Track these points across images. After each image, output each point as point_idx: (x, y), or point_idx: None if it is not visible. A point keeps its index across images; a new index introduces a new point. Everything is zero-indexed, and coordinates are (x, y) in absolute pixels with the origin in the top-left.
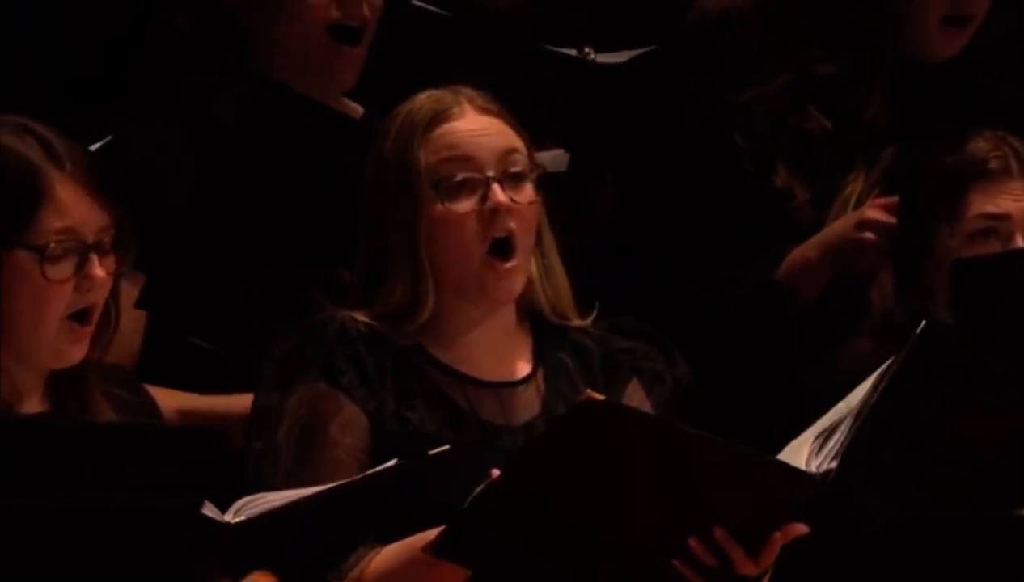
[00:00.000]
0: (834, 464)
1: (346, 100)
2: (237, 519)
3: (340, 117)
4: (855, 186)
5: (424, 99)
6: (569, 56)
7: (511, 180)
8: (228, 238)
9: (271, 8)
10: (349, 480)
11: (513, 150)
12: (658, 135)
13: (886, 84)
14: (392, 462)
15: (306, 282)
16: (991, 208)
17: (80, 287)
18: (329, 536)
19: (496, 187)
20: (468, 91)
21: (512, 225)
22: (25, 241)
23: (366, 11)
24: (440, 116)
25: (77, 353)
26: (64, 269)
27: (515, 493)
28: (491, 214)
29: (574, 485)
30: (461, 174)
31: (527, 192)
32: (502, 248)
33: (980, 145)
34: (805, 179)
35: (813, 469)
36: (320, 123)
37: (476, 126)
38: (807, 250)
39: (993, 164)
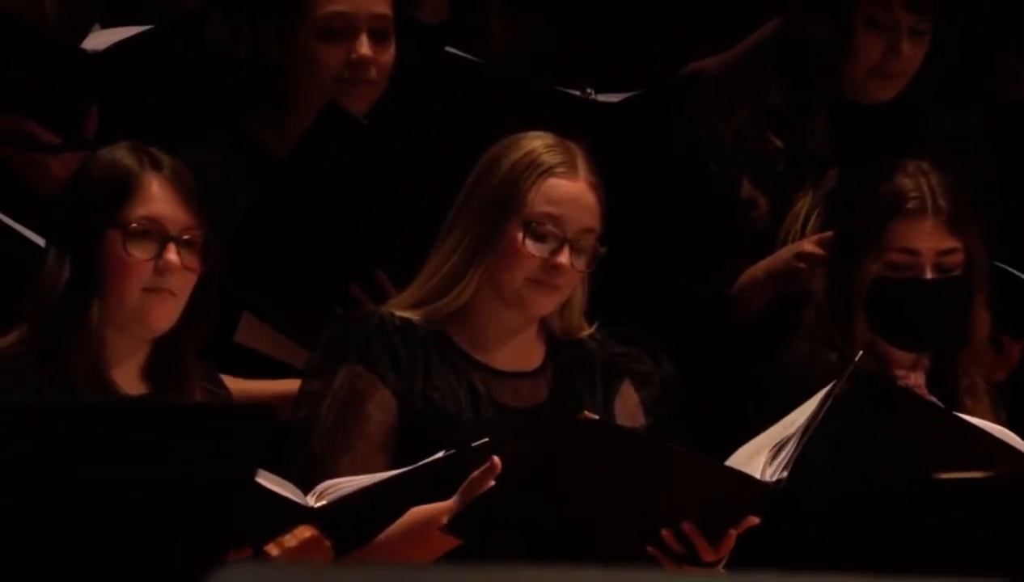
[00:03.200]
0: (785, 474)
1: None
2: (319, 503)
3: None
4: (804, 202)
5: (546, 146)
6: (574, 95)
7: (579, 250)
8: (282, 245)
9: (295, 58)
10: (409, 468)
11: (592, 230)
12: (647, 161)
13: (828, 119)
14: (441, 453)
15: (347, 280)
16: (906, 243)
17: (158, 269)
18: (383, 512)
19: (567, 250)
20: (583, 155)
21: (562, 280)
22: (116, 221)
23: (373, 75)
24: (557, 169)
25: (160, 317)
26: (144, 249)
27: (518, 488)
28: (552, 267)
29: (568, 484)
30: (549, 226)
31: (586, 262)
32: (546, 287)
33: (903, 182)
34: (765, 192)
35: (767, 478)
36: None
37: (578, 194)
38: (756, 271)
39: (911, 203)
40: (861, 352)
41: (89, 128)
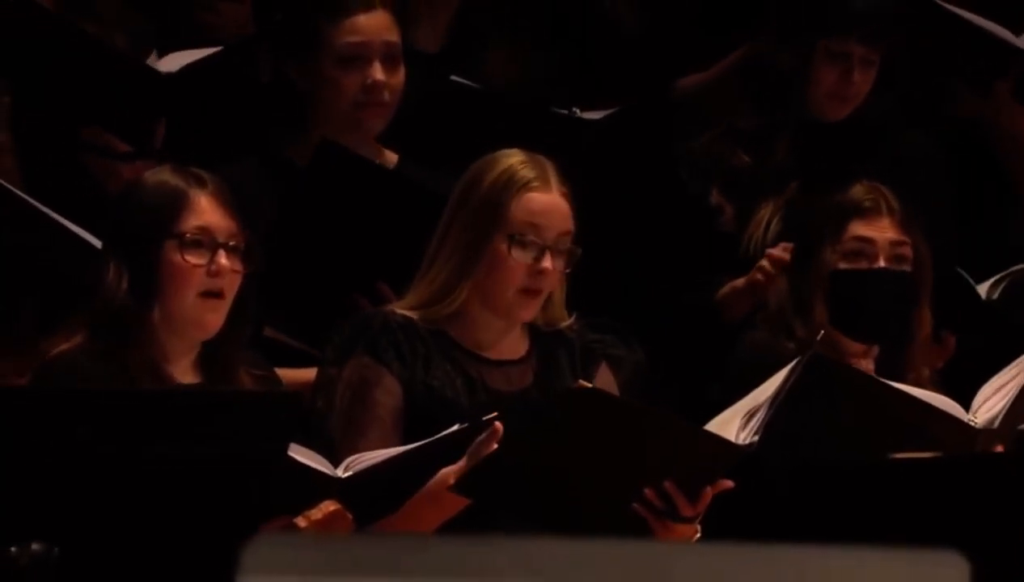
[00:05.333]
0: (755, 438)
1: (383, 149)
2: (346, 474)
3: (378, 169)
4: (767, 210)
5: (522, 162)
6: (562, 114)
7: (559, 254)
8: (300, 255)
9: (316, 84)
10: (428, 440)
11: (568, 233)
12: (628, 170)
13: (792, 136)
14: (456, 427)
15: (353, 290)
16: (863, 233)
17: (210, 272)
18: (405, 482)
19: (548, 255)
20: (553, 167)
21: (545, 283)
22: (173, 233)
23: (387, 97)
24: (533, 183)
25: (213, 321)
26: (198, 256)
27: (520, 452)
28: (538, 273)
29: (564, 447)
30: (531, 237)
31: (565, 263)
32: (533, 294)
33: (860, 190)
34: (731, 200)
35: (740, 441)
36: (367, 177)
37: (553, 204)
38: (737, 283)
39: (868, 203)
40: (822, 331)
41: (157, 140)
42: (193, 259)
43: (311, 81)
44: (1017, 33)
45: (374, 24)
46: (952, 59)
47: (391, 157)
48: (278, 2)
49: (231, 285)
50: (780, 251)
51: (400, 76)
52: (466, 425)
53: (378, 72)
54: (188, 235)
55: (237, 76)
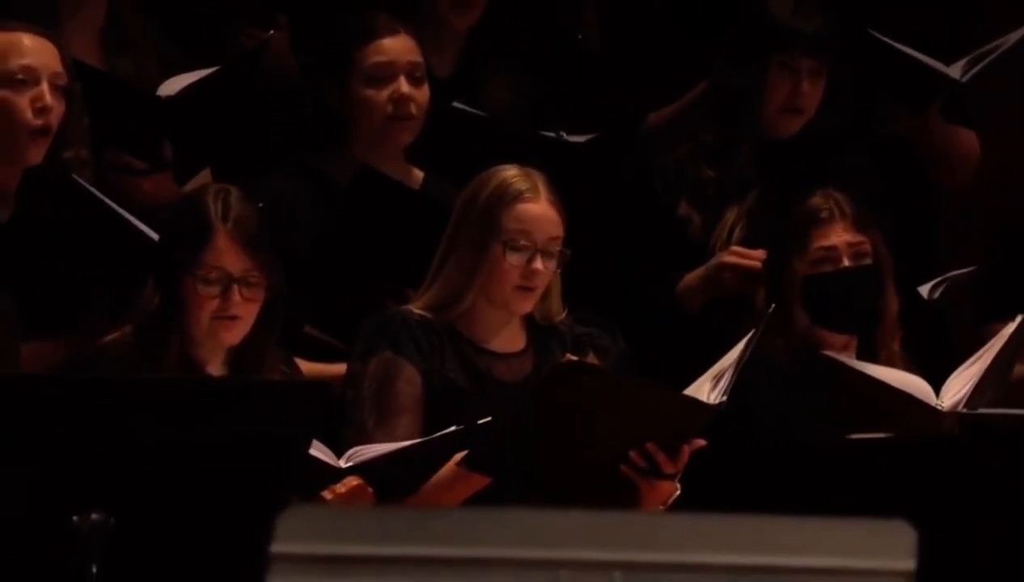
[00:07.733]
0: (724, 398)
1: (411, 167)
2: (348, 464)
3: (408, 191)
4: (729, 217)
5: (514, 175)
6: (550, 137)
7: (548, 255)
8: (339, 265)
9: (353, 105)
10: (424, 439)
11: (557, 238)
12: (607, 186)
13: (750, 152)
14: (452, 428)
15: (384, 294)
16: (824, 242)
17: (223, 306)
18: (406, 473)
19: (539, 257)
20: (542, 179)
21: (538, 282)
22: (191, 270)
23: (413, 110)
24: (523, 195)
25: (228, 339)
26: (211, 290)
27: (520, 427)
28: (531, 273)
29: (558, 419)
30: (523, 241)
31: (555, 264)
32: (528, 290)
33: (816, 201)
34: (699, 211)
35: (711, 401)
36: (397, 196)
37: (541, 213)
38: (691, 278)
39: (824, 214)
40: (773, 305)
41: (167, 154)
42: (205, 293)
43: (345, 101)
44: (947, 63)
45: (399, 46)
46: (890, 83)
47: (418, 175)
48: (315, 30)
49: (246, 311)
50: (730, 257)
51: (425, 92)
52: (461, 427)
53: (404, 86)
54: (202, 273)
55: (284, 99)
